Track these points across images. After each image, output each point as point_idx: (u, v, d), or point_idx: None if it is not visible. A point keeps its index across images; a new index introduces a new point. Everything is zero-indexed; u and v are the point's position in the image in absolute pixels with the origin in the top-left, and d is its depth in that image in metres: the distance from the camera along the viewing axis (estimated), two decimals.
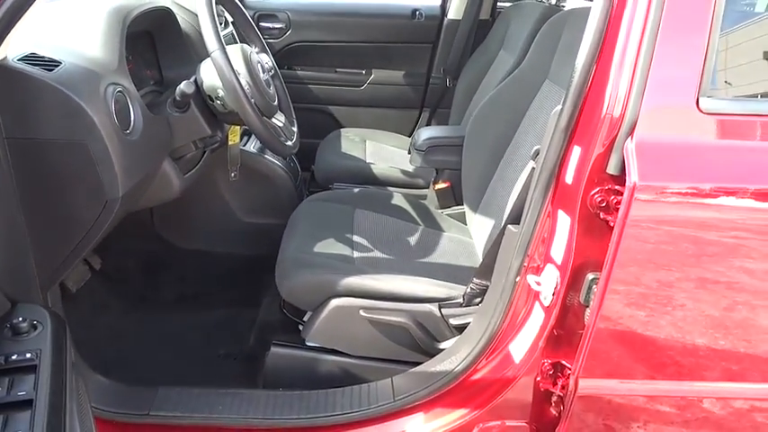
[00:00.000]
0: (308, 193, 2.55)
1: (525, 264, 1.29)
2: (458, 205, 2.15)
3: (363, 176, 2.43)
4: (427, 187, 2.40)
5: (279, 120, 1.69)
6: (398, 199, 2.10)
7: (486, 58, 2.56)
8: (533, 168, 1.32)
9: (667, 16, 1.05)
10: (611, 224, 1.11)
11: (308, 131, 2.95)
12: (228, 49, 1.57)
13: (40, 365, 0.82)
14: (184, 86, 1.48)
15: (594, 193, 1.13)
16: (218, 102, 1.54)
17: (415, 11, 2.98)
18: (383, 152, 2.68)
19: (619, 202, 1.09)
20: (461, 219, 2.07)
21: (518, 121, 1.85)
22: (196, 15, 1.55)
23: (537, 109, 1.80)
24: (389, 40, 3.00)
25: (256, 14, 2.92)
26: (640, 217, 1.07)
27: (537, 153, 1.29)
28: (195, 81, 1.57)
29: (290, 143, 1.67)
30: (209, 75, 1.53)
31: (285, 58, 2.99)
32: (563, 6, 2.44)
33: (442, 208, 2.17)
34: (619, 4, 1.09)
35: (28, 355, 0.83)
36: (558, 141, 1.17)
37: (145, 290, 2.14)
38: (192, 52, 1.85)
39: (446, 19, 2.97)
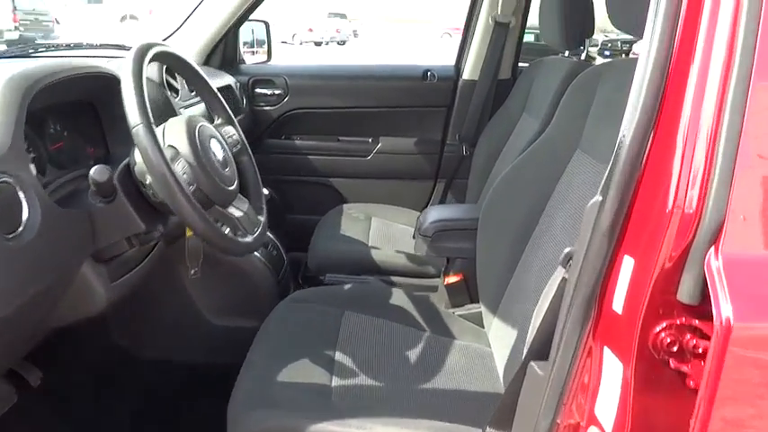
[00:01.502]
0: (301, 281, 2.20)
1: (558, 421, 0.89)
2: (473, 303, 1.75)
3: (363, 265, 2.06)
4: (439, 276, 2.01)
5: (239, 208, 1.34)
6: (399, 296, 1.71)
7: (507, 123, 2.25)
8: (564, 279, 0.93)
9: (762, 60, 0.68)
10: (691, 381, 0.71)
11: (308, 207, 2.66)
12: (171, 120, 1.25)
13: None
14: (95, 173, 1.15)
15: (660, 330, 0.73)
16: (150, 190, 1.21)
17: (426, 71, 2.69)
18: (390, 232, 2.32)
19: (698, 346, 0.70)
20: (478, 320, 1.66)
21: (544, 201, 1.47)
22: (148, 80, 1.27)
23: (567, 185, 1.42)
24: (398, 104, 2.70)
25: (251, 80, 2.65)
26: (741, 374, 0.67)
27: (569, 258, 0.89)
28: (128, 163, 1.25)
29: (248, 239, 1.31)
30: (139, 155, 1.20)
31: (283, 126, 2.71)
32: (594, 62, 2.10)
33: (453, 306, 1.76)
34: (681, 48, 0.72)
35: None
36: (598, 249, 0.78)
37: (95, 410, 1.78)
38: None
39: (461, 80, 2.68)
